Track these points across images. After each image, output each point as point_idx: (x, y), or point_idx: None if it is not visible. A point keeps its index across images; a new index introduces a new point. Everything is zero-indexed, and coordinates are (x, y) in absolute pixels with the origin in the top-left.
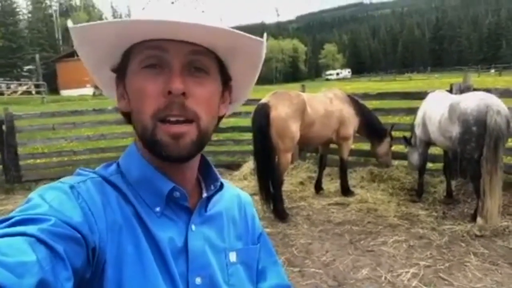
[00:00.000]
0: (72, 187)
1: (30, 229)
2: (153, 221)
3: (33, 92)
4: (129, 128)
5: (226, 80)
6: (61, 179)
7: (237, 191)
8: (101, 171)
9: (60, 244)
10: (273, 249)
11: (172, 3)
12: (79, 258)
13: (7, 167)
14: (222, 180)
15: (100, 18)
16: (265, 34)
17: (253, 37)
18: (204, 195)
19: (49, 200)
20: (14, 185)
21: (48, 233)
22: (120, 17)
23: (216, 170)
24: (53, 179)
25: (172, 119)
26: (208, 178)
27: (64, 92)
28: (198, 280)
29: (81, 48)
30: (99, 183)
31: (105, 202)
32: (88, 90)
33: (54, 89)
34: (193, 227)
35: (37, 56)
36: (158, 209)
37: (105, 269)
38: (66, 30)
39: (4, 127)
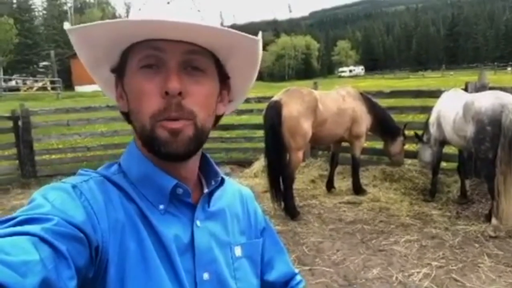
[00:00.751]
0: (74, 186)
1: (33, 228)
2: (158, 219)
3: (49, 88)
4: None
5: (224, 79)
6: (64, 179)
7: (238, 186)
8: (103, 171)
9: (63, 244)
10: (279, 239)
11: (168, 3)
12: (82, 257)
13: (23, 162)
14: (223, 175)
15: (114, 16)
16: (260, 33)
17: (248, 35)
18: (206, 190)
19: (51, 199)
20: (30, 179)
21: (51, 232)
22: None
23: (216, 166)
24: (67, 175)
25: (170, 119)
26: (208, 174)
27: (79, 88)
28: (205, 276)
29: (80, 49)
30: (101, 182)
31: (107, 201)
32: None
33: (69, 85)
34: (198, 223)
35: (52, 52)
36: (161, 206)
37: (108, 268)
38: None
39: (20, 123)
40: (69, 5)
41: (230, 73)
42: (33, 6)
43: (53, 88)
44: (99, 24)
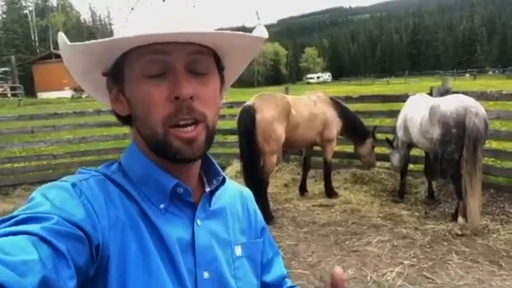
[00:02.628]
0: (74, 185)
1: (33, 227)
2: (158, 218)
3: (9, 95)
4: (110, 131)
5: (221, 72)
6: (64, 178)
7: (239, 186)
8: (103, 170)
9: (63, 243)
10: (274, 240)
11: (163, 0)
12: (82, 256)
13: None
14: (224, 174)
15: (78, 20)
16: (266, 31)
17: (255, 36)
18: (207, 189)
19: (51, 198)
20: None
21: (51, 231)
22: (100, 19)
23: (218, 165)
24: (32, 184)
25: (182, 122)
26: (210, 173)
27: (42, 95)
28: (206, 275)
29: (72, 62)
30: (101, 181)
31: (107, 200)
32: (67, 93)
33: (30, 92)
34: (198, 222)
35: (12, 57)
36: (162, 205)
37: (109, 266)
38: (42, 31)
39: None
40: (30, 8)
41: (225, 64)
42: None
43: (13, 95)
44: (97, 42)
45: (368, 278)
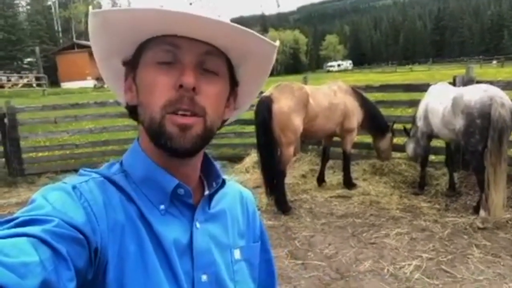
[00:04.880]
0: (74, 187)
1: (34, 230)
2: (157, 220)
3: (34, 85)
4: (131, 121)
5: (233, 85)
6: (64, 180)
7: (239, 187)
8: (104, 171)
9: (63, 245)
10: (270, 246)
11: (191, 4)
12: (82, 259)
13: (10, 160)
14: (225, 176)
15: None
16: (277, 41)
17: (267, 39)
18: (206, 192)
19: (52, 201)
20: (17, 178)
21: (51, 234)
22: None
23: (218, 167)
24: (55, 172)
25: (181, 112)
26: (210, 175)
27: (65, 85)
28: (204, 278)
29: (96, 37)
30: (101, 183)
31: (107, 202)
32: (89, 83)
33: (54, 82)
34: (197, 224)
35: (37, 48)
36: (162, 206)
37: (107, 270)
38: (65, 22)
39: (6, 120)
40: (53, 0)
41: (240, 79)
42: (16, 1)
43: (38, 85)
44: (124, 9)
45: (385, 270)
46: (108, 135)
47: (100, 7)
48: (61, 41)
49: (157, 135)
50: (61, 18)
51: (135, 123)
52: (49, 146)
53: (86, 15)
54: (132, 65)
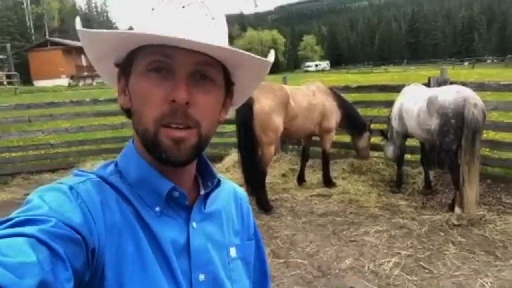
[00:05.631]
0: (71, 187)
1: (31, 230)
2: (154, 221)
3: (5, 83)
4: (107, 120)
5: (228, 86)
6: (60, 180)
7: (234, 186)
8: (100, 172)
9: (61, 245)
10: (263, 244)
11: (183, 7)
12: (79, 259)
13: None
14: (219, 176)
15: (73, 7)
16: (272, 52)
17: (261, 58)
18: (202, 192)
19: (48, 201)
20: None
21: (49, 234)
22: (96, 6)
23: (213, 167)
24: (30, 173)
25: (173, 125)
26: (205, 175)
27: (38, 83)
28: (201, 277)
29: (87, 46)
30: (97, 184)
31: (104, 203)
32: (63, 81)
33: (27, 80)
34: (194, 224)
35: (8, 45)
36: (157, 208)
37: (105, 271)
38: (38, 18)
39: None
40: None
41: (236, 81)
42: None
43: (9, 83)
44: (111, 32)
45: (366, 268)
46: (85, 135)
47: (73, 4)
48: (33, 37)
49: (151, 147)
50: (33, 14)
51: (112, 122)
52: (23, 146)
53: (60, 11)
54: (124, 69)
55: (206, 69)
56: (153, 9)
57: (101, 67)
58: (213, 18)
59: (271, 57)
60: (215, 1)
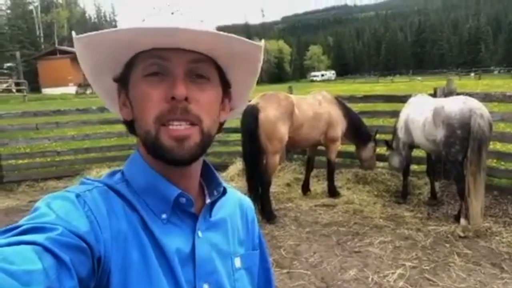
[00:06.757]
0: (78, 196)
1: (38, 238)
2: (160, 229)
3: (14, 90)
4: (113, 128)
5: (225, 87)
6: (67, 188)
7: (239, 195)
8: (106, 180)
9: (67, 254)
10: (268, 254)
11: (172, 13)
12: (85, 267)
13: None
14: (225, 184)
15: (83, 16)
16: (262, 40)
17: (250, 41)
18: (208, 200)
19: (55, 209)
20: None
21: (55, 242)
22: (104, 15)
23: (218, 175)
24: (36, 180)
25: (175, 123)
26: (211, 184)
27: (46, 91)
28: (205, 287)
29: (82, 58)
30: (104, 192)
31: (110, 211)
32: (71, 89)
33: (35, 87)
34: (199, 233)
35: (17, 53)
36: (164, 216)
37: (110, 279)
38: (47, 27)
39: None
40: (35, 4)
41: (231, 81)
42: None
43: (18, 90)
44: (105, 32)
45: (370, 279)
46: (90, 143)
47: (83, 13)
48: (42, 46)
49: (154, 148)
50: (43, 23)
51: (117, 130)
52: (29, 153)
53: (69, 20)
54: (122, 81)
55: (199, 66)
56: (143, 20)
57: (99, 84)
58: (202, 20)
59: (260, 43)
60: (205, 10)
